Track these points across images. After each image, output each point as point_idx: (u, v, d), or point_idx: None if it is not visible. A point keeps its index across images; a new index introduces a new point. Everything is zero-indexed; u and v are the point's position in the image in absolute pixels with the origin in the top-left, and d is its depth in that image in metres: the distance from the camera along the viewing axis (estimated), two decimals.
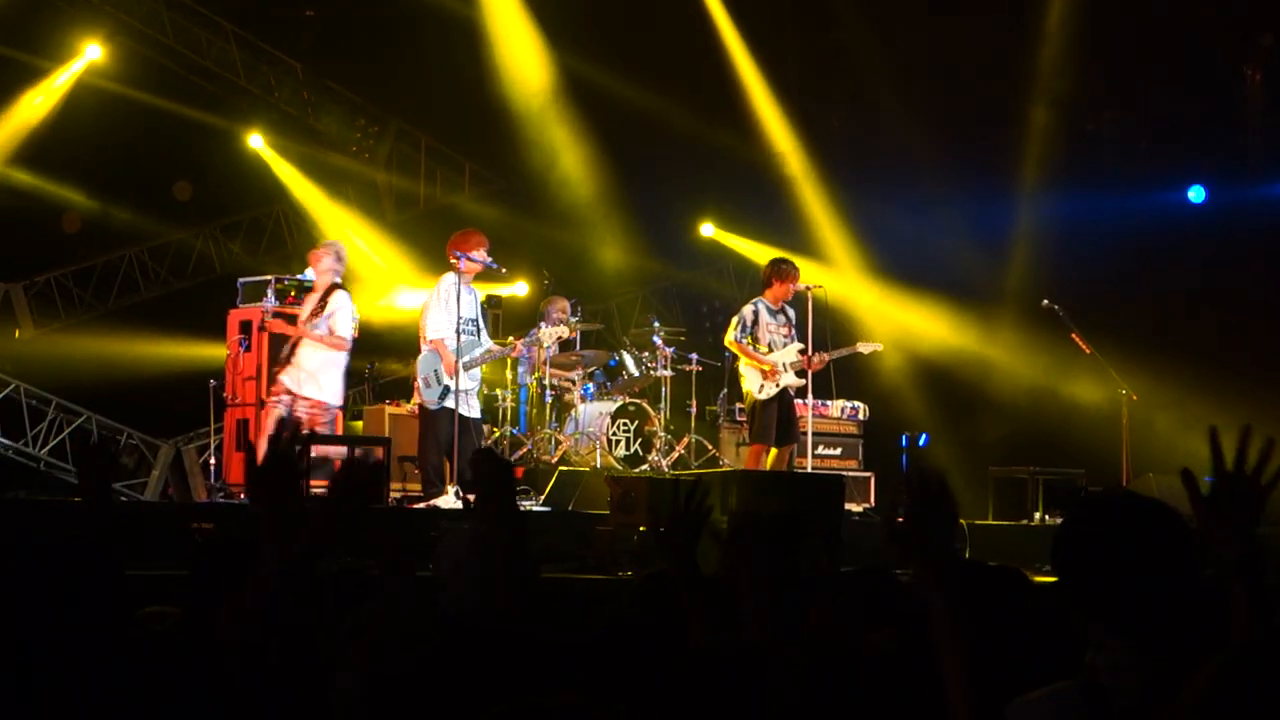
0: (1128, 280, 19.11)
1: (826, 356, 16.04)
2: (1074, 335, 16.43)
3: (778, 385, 15.52)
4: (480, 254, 14.30)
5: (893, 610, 4.20)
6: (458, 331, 14.03)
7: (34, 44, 19.80)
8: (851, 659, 3.29)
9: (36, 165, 19.86)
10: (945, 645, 3.33)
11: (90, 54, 19.62)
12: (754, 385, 15.57)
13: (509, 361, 16.61)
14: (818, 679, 3.18)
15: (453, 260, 14.26)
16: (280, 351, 14.46)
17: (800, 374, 15.76)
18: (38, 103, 19.69)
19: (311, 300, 14.52)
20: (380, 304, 19.77)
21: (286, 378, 14.21)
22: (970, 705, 3.28)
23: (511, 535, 4.56)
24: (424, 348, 14.41)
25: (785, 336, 15.74)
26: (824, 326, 16.10)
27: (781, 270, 15.87)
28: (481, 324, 14.66)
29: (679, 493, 4.54)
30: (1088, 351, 16.39)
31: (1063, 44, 19.27)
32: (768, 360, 15.51)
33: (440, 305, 14.28)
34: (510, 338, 16.11)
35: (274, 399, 14.30)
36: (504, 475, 4.73)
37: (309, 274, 15.79)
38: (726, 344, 15.90)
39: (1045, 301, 16.51)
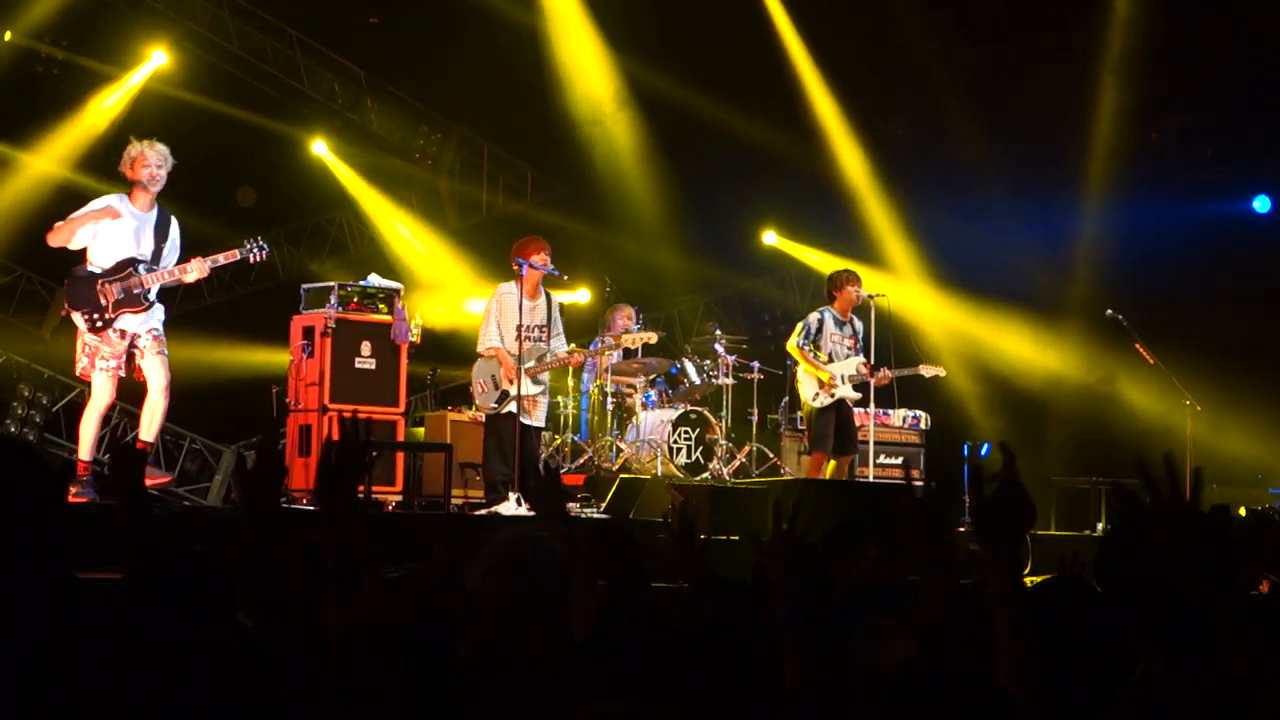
0: (1192, 290, 18.99)
1: (891, 374, 15.98)
2: (1138, 346, 16.36)
3: (832, 396, 15.49)
4: (540, 259, 14.28)
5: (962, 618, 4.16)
6: (518, 337, 14.04)
7: (101, 50, 19.92)
8: (926, 673, 3.25)
9: (103, 171, 19.95)
10: (1007, 649, 3.28)
11: (156, 60, 19.71)
12: (809, 393, 15.58)
13: (571, 368, 16.61)
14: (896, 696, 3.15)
15: (515, 267, 14.26)
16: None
17: (858, 387, 15.73)
18: (105, 108, 19.80)
19: (146, 223, 12.60)
20: (439, 310, 19.79)
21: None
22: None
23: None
24: (480, 355, 14.46)
25: (849, 349, 15.72)
26: (887, 340, 16.06)
27: (836, 280, 15.92)
28: (554, 330, 14.64)
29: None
30: (1152, 362, 16.31)
31: (1128, 53, 19.17)
32: (826, 370, 15.49)
33: (490, 316, 14.33)
34: (572, 345, 16.14)
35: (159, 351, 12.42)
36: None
37: (372, 279, 15.84)
38: (788, 349, 15.90)
39: (1109, 311, 16.44)
